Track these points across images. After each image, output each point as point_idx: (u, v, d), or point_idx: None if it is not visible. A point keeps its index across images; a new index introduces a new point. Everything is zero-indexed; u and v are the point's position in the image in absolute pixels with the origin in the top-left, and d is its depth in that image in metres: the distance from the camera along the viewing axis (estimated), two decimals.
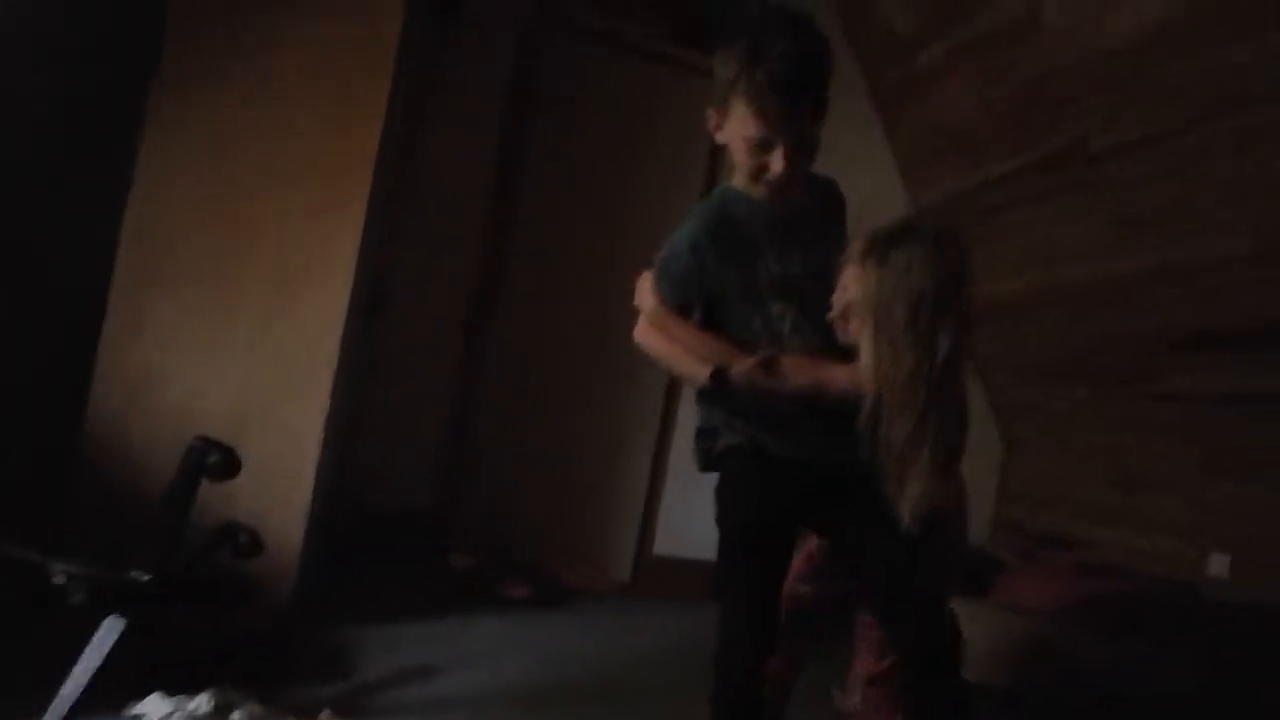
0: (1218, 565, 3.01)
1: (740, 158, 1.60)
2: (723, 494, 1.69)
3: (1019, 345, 3.91)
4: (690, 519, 3.80)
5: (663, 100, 3.95)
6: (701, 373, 1.61)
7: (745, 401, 1.62)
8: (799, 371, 1.56)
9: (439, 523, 3.74)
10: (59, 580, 1.76)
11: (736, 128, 1.56)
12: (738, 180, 1.67)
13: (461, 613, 3.10)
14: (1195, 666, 2.49)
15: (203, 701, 1.97)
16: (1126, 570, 2.95)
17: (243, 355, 2.56)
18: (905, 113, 3.93)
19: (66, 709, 1.69)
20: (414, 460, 3.78)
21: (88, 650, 1.75)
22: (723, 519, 1.66)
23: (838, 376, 1.54)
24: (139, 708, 1.94)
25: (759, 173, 1.59)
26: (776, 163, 1.55)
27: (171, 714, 1.91)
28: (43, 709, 1.69)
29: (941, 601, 1.62)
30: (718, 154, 3.94)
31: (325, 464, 2.63)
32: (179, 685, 2.00)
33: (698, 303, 1.69)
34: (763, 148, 1.56)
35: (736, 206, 1.66)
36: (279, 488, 2.54)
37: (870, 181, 4.04)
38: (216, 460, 1.93)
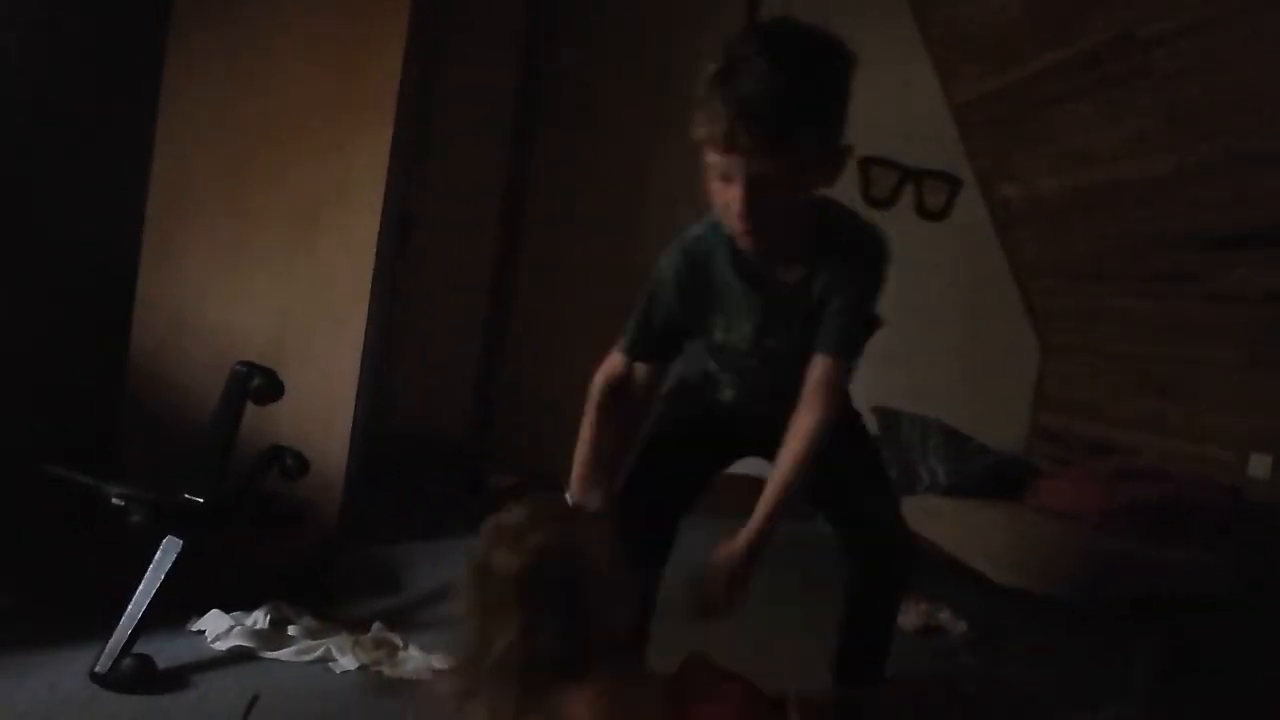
0: (1258, 466, 2.99)
1: (714, 192, 1.32)
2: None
3: (1058, 247, 3.84)
4: None
5: (690, 17, 3.83)
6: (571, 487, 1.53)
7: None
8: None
9: (476, 443, 3.80)
10: (117, 502, 1.81)
11: (708, 161, 1.28)
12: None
13: None
14: (1237, 569, 2.49)
15: (259, 617, 2.05)
16: (1167, 474, 2.93)
17: (278, 285, 2.57)
18: (939, 7, 3.78)
19: (133, 626, 1.76)
20: (448, 384, 3.82)
21: (149, 570, 1.82)
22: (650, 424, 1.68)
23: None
24: (199, 623, 2.01)
25: (730, 217, 1.31)
26: (734, 201, 1.27)
27: (231, 629, 1.98)
28: (106, 627, 1.76)
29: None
30: None
31: (364, 388, 2.66)
32: (236, 602, 2.07)
33: (650, 353, 1.56)
34: (725, 181, 1.27)
35: (715, 252, 1.45)
36: (320, 412, 2.58)
37: (902, 82, 3.93)
38: (260, 383, 1.95)
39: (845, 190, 3.92)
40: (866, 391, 3.50)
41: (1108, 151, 3.23)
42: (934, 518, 2.84)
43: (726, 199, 1.28)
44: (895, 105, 3.88)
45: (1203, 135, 2.79)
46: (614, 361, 1.57)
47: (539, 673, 1.10)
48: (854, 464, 1.66)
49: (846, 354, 1.46)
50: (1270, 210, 2.72)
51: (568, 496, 1.52)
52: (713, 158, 1.25)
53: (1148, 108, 2.94)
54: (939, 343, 4.03)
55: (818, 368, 1.44)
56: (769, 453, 1.49)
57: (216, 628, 1.99)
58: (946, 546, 2.75)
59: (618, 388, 1.56)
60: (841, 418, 1.52)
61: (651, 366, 1.56)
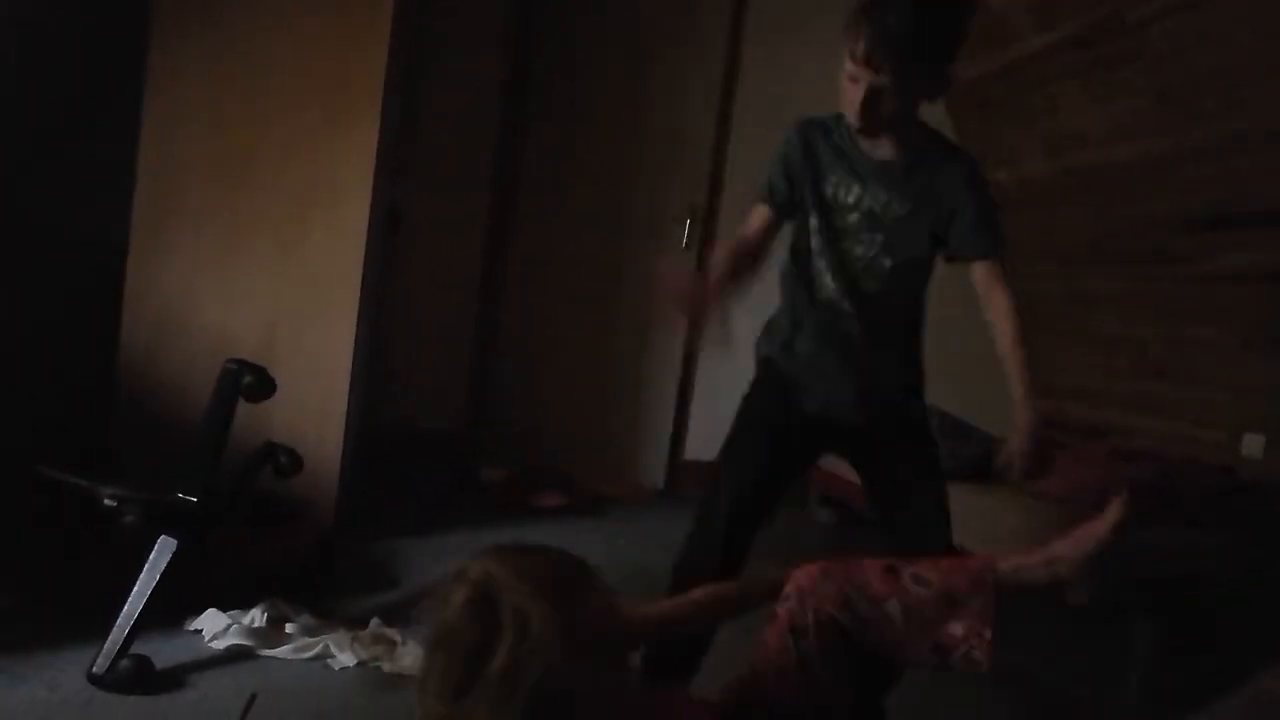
0: (1251, 446, 3.00)
1: (841, 87, 1.60)
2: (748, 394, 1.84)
3: (1051, 230, 3.83)
4: (721, 423, 3.82)
5: (675, 10, 3.82)
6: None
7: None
8: None
9: (468, 437, 3.80)
10: (109, 503, 1.80)
11: (847, 63, 1.57)
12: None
13: (499, 523, 3.16)
14: (1232, 548, 2.50)
15: (256, 615, 2.04)
16: (1162, 455, 2.94)
17: (268, 283, 2.56)
18: None
19: (129, 626, 1.75)
20: (442, 377, 3.81)
21: (144, 570, 1.81)
22: (742, 410, 1.82)
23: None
24: (197, 623, 2.01)
25: (847, 105, 1.58)
26: (856, 100, 1.55)
27: (228, 627, 1.98)
28: (104, 628, 1.75)
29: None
30: (735, 55, 3.84)
31: (357, 383, 2.65)
32: (233, 601, 2.07)
33: (782, 195, 1.72)
34: (853, 81, 1.55)
35: (835, 136, 1.70)
36: (314, 408, 2.57)
37: None
38: (251, 381, 1.95)
39: None
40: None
41: (1099, 134, 3.23)
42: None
43: (852, 96, 1.56)
44: None
45: (1193, 117, 2.79)
46: (760, 213, 1.74)
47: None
48: (920, 476, 1.78)
49: (997, 249, 1.71)
50: (1262, 191, 2.72)
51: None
52: (847, 64, 1.54)
53: (1138, 89, 2.94)
54: (933, 329, 4.01)
55: (980, 271, 1.71)
56: (849, 447, 1.80)
57: (214, 626, 1.99)
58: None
59: (754, 239, 1.72)
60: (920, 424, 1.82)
61: (773, 223, 1.74)
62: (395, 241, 3.26)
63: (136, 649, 1.76)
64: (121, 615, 1.76)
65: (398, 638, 2.08)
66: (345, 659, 1.95)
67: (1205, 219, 2.98)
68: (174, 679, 1.79)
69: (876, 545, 1.72)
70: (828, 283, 1.72)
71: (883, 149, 1.66)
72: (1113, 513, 1.45)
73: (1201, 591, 2.48)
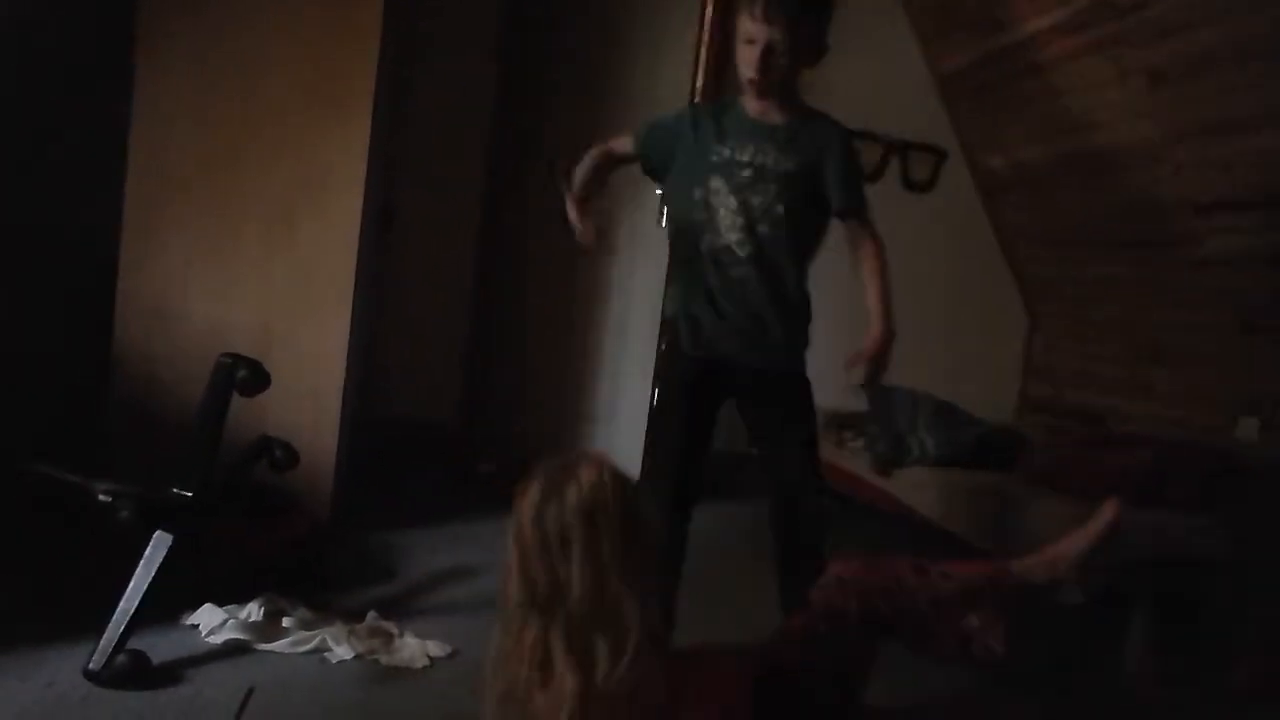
0: (1246, 429, 3.00)
1: (739, 56, 1.91)
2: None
3: (1044, 216, 3.83)
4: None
5: (658, 9, 3.80)
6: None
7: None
8: None
9: (463, 430, 3.80)
10: (104, 498, 1.80)
11: (739, 33, 1.89)
12: (745, 95, 1.99)
13: (494, 514, 3.16)
14: (1227, 531, 2.50)
15: (253, 609, 2.04)
16: (1156, 439, 2.95)
17: (262, 278, 2.56)
18: None
19: (125, 622, 1.75)
20: (436, 370, 3.81)
21: (140, 566, 1.81)
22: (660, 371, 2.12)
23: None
24: (193, 618, 2.01)
25: (745, 67, 1.89)
26: (754, 54, 1.86)
27: (225, 622, 1.98)
28: (101, 624, 1.75)
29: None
30: (723, 58, 3.82)
31: (351, 377, 2.65)
32: (229, 595, 2.07)
33: (656, 155, 2.04)
34: (748, 42, 1.86)
35: (723, 108, 2.03)
36: (308, 403, 2.57)
37: (884, 55, 3.91)
38: (245, 375, 1.94)
39: None
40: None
41: (1092, 118, 3.22)
42: (924, 489, 2.85)
43: (750, 56, 1.86)
44: (878, 78, 3.86)
45: (1186, 99, 2.79)
46: (622, 142, 2.08)
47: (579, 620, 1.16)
48: (791, 424, 2.04)
49: (858, 204, 1.98)
50: (1255, 174, 2.72)
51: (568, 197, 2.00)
52: (745, 26, 1.85)
53: (1129, 73, 2.93)
54: (927, 315, 4.01)
55: (847, 229, 1.99)
56: (749, 394, 2.03)
57: (210, 621, 1.99)
58: (937, 519, 2.76)
59: (610, 153, 2.08)
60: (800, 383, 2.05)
61: (628, 158, 2.09)
62: (389, 237, 3.26)
63: (133, 645, 1.76)
64: (118, 611, 1.76)
65: (395, 630, 2.08)
66: (342, 652, 1.95)
67: (1199, 203, 2.98)
68: (171, 674, 1.79)
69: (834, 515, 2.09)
70: (726, 231, 1.94)
71: (771, 116, 1.95)
72: (1107, 512, 1.55)
73: (1198, 575, 2.48)
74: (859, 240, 1.97)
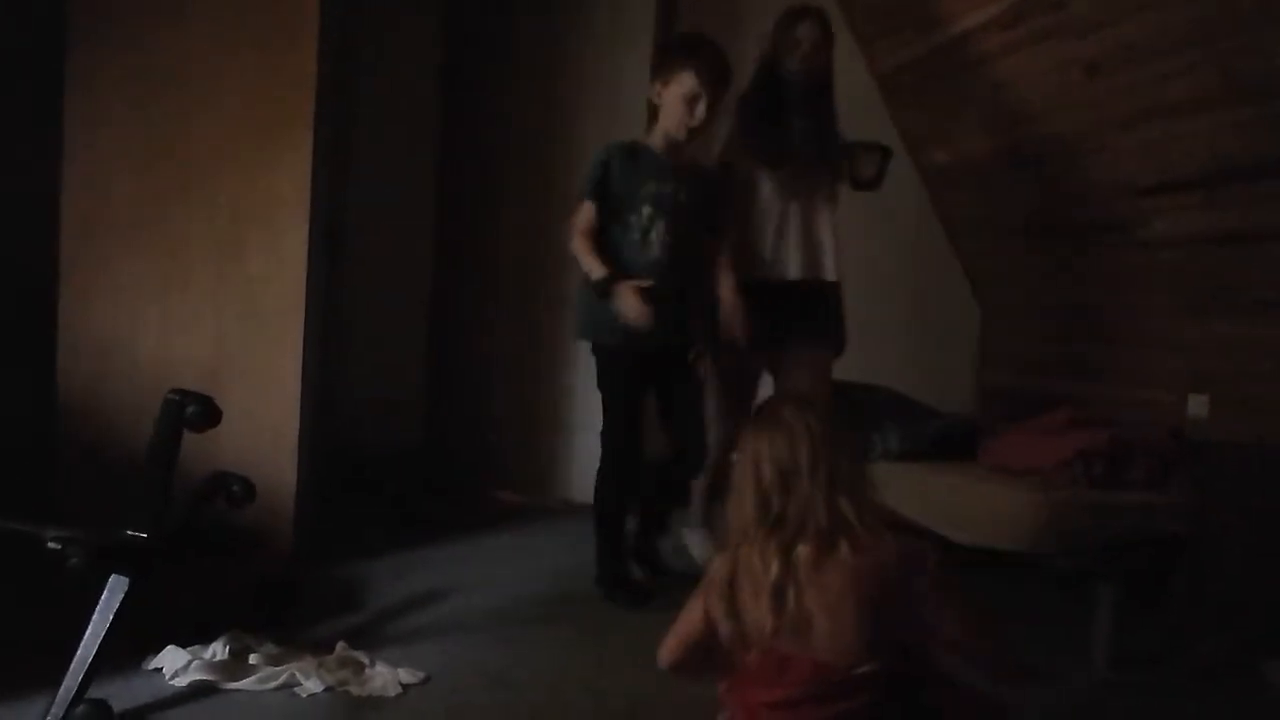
0: (1197, 406, 3.07)
1: (675, 109, 2.50)
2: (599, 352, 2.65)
3: (991, 206, 3.90)
4: None
5: (600, 25, 3.80)
6: (596, 271, 2.44)
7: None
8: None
9: (427, 456, 3.77)
10: (54, 545, 1.75)
11: (676, 89, 2.48)
12: (653, 135, 2.60)
13: (463, 537, 3.14)
14: (1183, 507, 2.55)
15: (218, 648, 2.00)
16: (1111, 421, 2.99)
17: (209, 310, 2.52)
18: None
19: (84, 671, 1.70)
20: (396, 396, 3.78)
21: (96, 612, 1.76)
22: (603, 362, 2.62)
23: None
24: (156, 661, 1.96)
25: (689, 118, 2.49)
26: (701, 109, 2.48)
27: (189, 663, 1.93)
28: (59, 673, 1.70)
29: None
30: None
31: (307, 407, 2.61)
32: (193, 635, 2.02)
33: (597, 201, 2.49)
34: (693, 100, 2.47)
35: (639, 148, 2.57)
36: (265, 434, 2.52)
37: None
38: (195, 410, 1.90)
39: None
40: None
41: (1031, 110, 3.28)
42: (889, 484, 2.86)
43: (696, 110, 2.49)
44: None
45: (1119, 89, 2.85)
46: (588, 209, 2.50)
47: (818, 536, 1.38)
48: (685, 394, 2.67)
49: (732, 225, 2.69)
50: (1190, 156, 2.78)
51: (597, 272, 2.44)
52: (688, 84, 2.46)
53: (1065, 65, 2.99)
54: (881, 311, 4.07)
55: (725, 235, 2.68)
56: (656, 370, 2.61)
57: (174, 663, 1.94)
58: (904, 511, 2.77)
59: (590, 228, 2.50)
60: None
61: (595, 214, 2.51)
62: (341, 261, 3.22)
63: (93, 693, 1.71)
64: (75, 660, 1.71)
65: (365, 660, 2.05)
66: (312, 685, 1.91)
67: (1141, 186, 3.04)
68: None
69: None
70: (654, 249, 2.49)
71: (675, 155, 2.55)
72: None
73: (1158, 554, 2.53)
74: (725, 254, 2.64)
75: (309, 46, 2.49)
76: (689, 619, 1.48)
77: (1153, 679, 2.34)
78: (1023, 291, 3.99)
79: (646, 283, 2.40)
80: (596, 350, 2.62)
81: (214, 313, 2.51)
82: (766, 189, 2.70)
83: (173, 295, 2.50)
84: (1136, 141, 2.93)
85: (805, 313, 2.75)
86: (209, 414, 1.92)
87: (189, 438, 1.95)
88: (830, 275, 2.79)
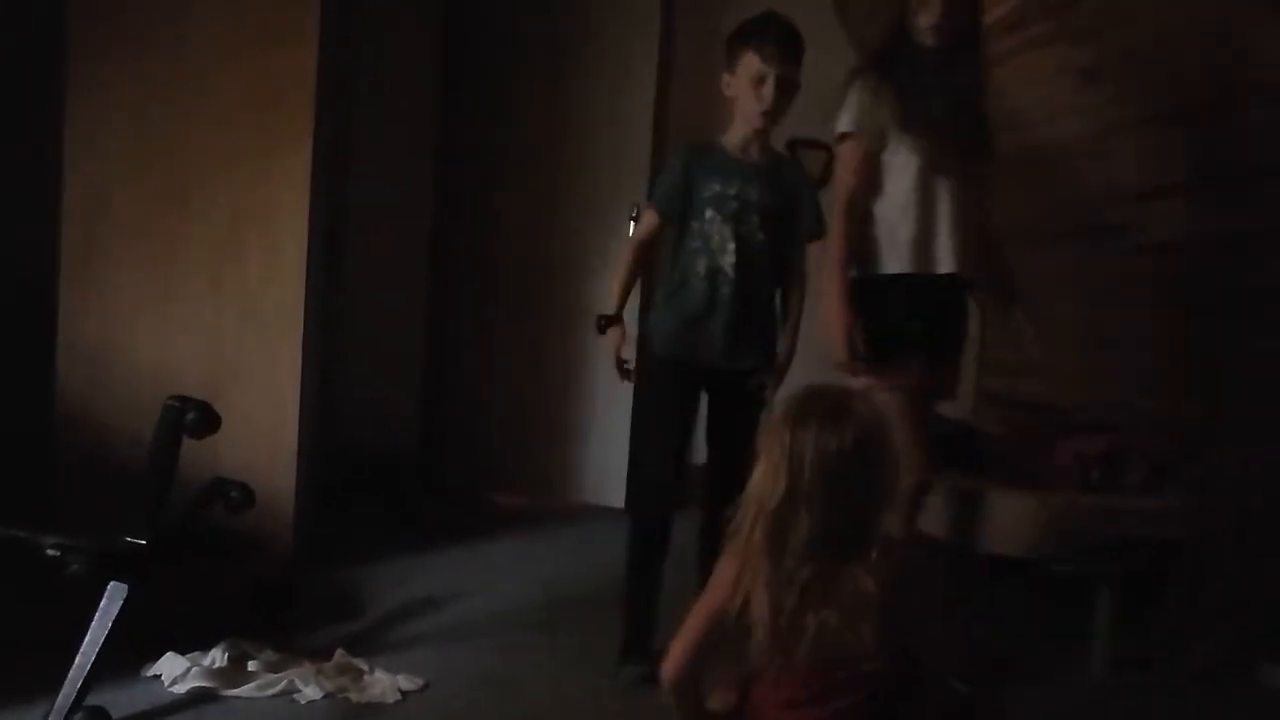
0: (1193, 410, 3.07)
1: (746, 95, 2.20)
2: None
3: (988, 213, 3.89)
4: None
5: (600, 26, 3.81)
6: (610, 301, 2.32)
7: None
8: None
9: (426, 460, 3.76)
10: (53, 552, 1.75)
11: (743, 73, 2.19)
12: (730, 133, 2.29)
13: (462, 542, 3.14)
14: (1181, 511, 2.56)
15: (217, 654, 2.00)
16: (1109, 425, 3.00)
17: (208, 316, 2.52)
18: None
19: (82, 678, 1.70)
20: (395, 401, 3.77)
21: (95, 619, 1.76)
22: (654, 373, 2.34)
23: None
24: (155, 668, 1.96)
25: (758, 103, 2.17)
26: (769, 90, 2.17)
27: (188, 670, 1.93)
28: (58, 678, 1.70)
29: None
30: (668, 55, 3.85)
31: (306, 413, 2.61)
32: (191, 642, 2.02)
33: (676, 214, 2.26)
34: (760, 81, 2.16)
35: (712, 148, 2.30)
36: (263, 440, 2.52)
37: (823, 61, 3.96)
38: (194, 417, 1.90)
39: None
40: (812, 375, 3.54)
41: (1027, 117, 3.29)
42: None
43: (763, 92, 2.17)
44: (818, 86, 3.90)
45: (1116, 94, 2.86)
46: (649, 221, 2.32)
47: (839, 545, 1.30)
48: (740, 414, 2.28)
49: (823, 232, 2.27)
50: (1185, 160, 2.79)
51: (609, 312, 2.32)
52: (753, 65, 2.16)
53: (1061, 70, 3.00)
54: None
55: (815, 250, 2.33)
56: (720, 394, 2.31)
57: (173, 670, 1.94)
58: None
59: (649, 241, 2.34)
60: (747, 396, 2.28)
61: (659, 228, 2.31)
62: (339, 265, 3.22)
63: (92, 700, 1.71)
64: (74, 667, 1.71)
65: (364, 666, 2.05)
66: (311, 692, 1.91)
67: (1138, 191, 3.05)
68: None
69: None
70: (719, 255, 2.21)
71: (751, 154, 2.26)
72: None
73: (1156, 557, 2.53)
74: (798, 267, 2.37)
75: (309, 48, 2.49)
76: (696, 623, 1.41)
77: (1150, 681, 2.34)
78: (1025, 297, 3.99)
79: (627, 360, 2.30)
80: (647, 357, 2.40)
81: (213, 317, 2.51)
82: (906, 165, 2.17)
83: (171, 299, 2.50)
84: (1133, 147, 2.94)
85: (953, 313, 2.34)
86: (208, 420, 1.93)
87: (188, 443, 1.95)
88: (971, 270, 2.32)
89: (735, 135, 2.27)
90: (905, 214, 2.15)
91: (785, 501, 1.29)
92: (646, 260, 2.40)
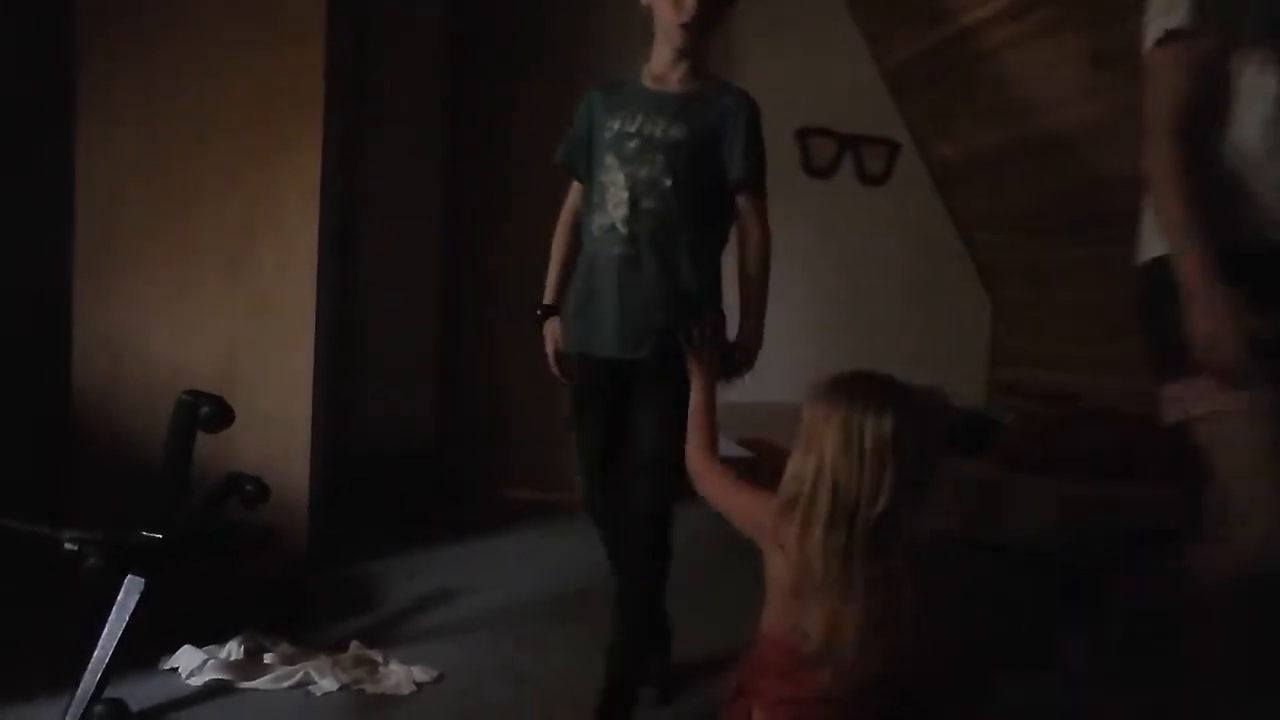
0: None
1: (663, 8, 1.81)
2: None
3: (1001, 201, 3.88)
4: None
5: (606, 19, 3.79)
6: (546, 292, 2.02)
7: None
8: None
9: (440, 456, 3.78)
10: (71, 546, 1.77)
11: None
12: (650, 62, 1.90)
13: (475, 537, 3.15)
14: (1191, 501, 2.54)
15: (233, 648, 2.01)
16: (1121, 414, 2.99)
17: (221, 313, 2.53)
18: None
19: (101, 671, 1.72)
20: (408, 396, 3.79)
21: (113, 612, 1.78)
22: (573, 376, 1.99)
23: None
24: (172, 661, 1.98)
25: (677, 12, 1.79)
26: (686, 7, 1.77)
27: (205, 663, 1.95)
28: (75, 675, 1.72)
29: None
30: None
31: (319, 408, 2.62)
32: (208, 635, 2.04)
33: (581, 162, 1.92)
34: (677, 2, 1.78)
35: (627, 84, 1.91)
36: (278, 436, 2.54)
37: (831, 51, 3.95)
38: (208, 411, 1.91)
39: (785, 163, 3.94)
40: (823, 359, 3.54)
41: (1039, 103, 3.27)
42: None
43: (680, 5, 1.77)
44: (827, 75, 3.90)
45: (1125, 80, 2.83)
46: (572, 190, 1.98)
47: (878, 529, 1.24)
48: (661, 414, 1.79)
49: (758, 184, 1.86)
50: None
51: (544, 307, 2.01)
52: None
53: (1072, 55, 2.98)
54: (894, 306, 4.07)
55: (741, 202, 1.86)
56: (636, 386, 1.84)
57: (190, 663, 1.96)
58: None
59: (576, 210, 1.96)
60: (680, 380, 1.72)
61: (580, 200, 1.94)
62: (352, 264, 3.24)
63: (111, 693, 1.73)
64: (92, 660, 1.73)
65: (379, 658, 2.06)
66: (327, 684, 1.93)
67: (1141, 181, 3.02)
68: None
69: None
70: (611, 208, 1.81)
71: (670, 84, 1.86)
72: None
73: (1167, 547, 2.51)
74: (746, 223, 1.85)
75: (317, 48, 2.50)
76: (746, 493, 1.42)
77: (1161, 670, 2.33)
78: (1034, 286, 3.97)
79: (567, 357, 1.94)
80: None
81: (227, 317, 2.53)
82: (1261, 86, 1.50)
83: (185, 298, 2.52)
84: (1137, 132, 2.91)
85: None
86: (222, 415, 1.94)
87: (203, 439, 1.97)
88: None
89: (655, 61, 1.87)
90: (1267, 153, 1.49)
91: (838, 477, 1.26)
92: (577, 235, 1.96)
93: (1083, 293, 3.67)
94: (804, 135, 3.93)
